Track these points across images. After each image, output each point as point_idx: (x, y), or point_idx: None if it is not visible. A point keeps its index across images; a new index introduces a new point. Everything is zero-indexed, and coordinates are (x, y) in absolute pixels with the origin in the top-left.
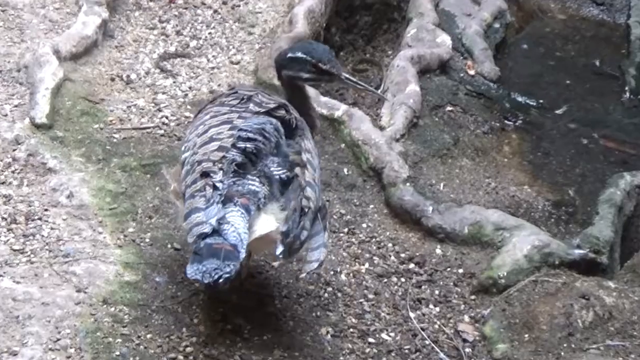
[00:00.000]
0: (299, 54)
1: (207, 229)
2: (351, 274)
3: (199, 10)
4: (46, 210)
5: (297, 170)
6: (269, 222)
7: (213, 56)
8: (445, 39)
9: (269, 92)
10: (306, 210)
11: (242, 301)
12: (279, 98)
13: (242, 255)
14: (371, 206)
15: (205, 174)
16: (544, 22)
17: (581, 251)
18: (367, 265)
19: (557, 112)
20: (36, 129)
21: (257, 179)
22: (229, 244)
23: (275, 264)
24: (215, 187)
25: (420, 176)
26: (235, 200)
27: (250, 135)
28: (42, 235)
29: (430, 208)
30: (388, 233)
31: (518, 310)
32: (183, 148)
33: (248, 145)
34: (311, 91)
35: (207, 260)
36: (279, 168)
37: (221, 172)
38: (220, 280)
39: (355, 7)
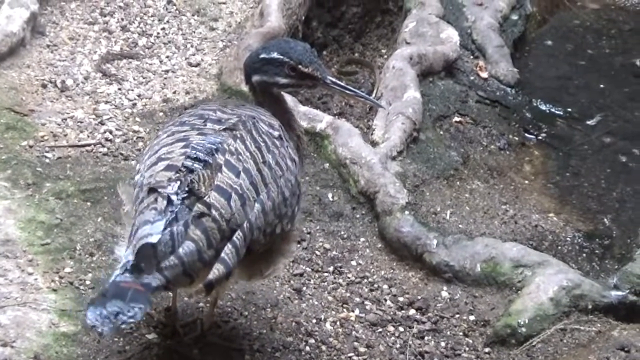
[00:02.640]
0: (274, 55)
1: (150, 239)
2: (338, 323)
3: (149, 1)
4: None
5: (197, 175)
6: None
7: (167, 57)
8: (451, 34)
9: (238, 103)
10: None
11: (205, 357)
12: (248, 109)
13: (152, 297)
14: (362, 239)
15: (153, 190)
16: (572, 12)
17: (619, 293)
18: (357, 311)
19: (589, 122)
20: None
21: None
22: (139, 282)
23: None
24: (169, 200)
25: (422, 202)
26: None
27: (200, 155)
28: None
29: (435, 242)
30: (383, 272)
31: None
32: (137, 168)
33: (196, 165)
34: (287, 99)
35: (110, 302)
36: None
37: (177, 183)
38: (123, 327)
39: None
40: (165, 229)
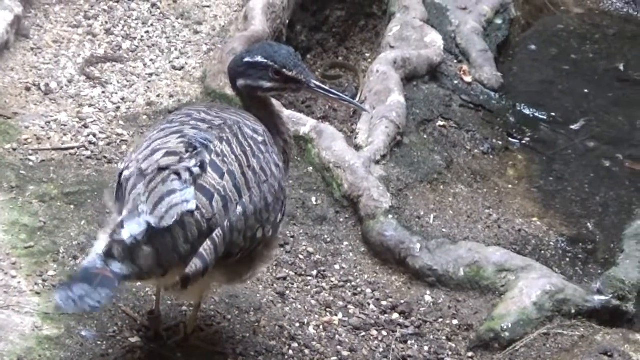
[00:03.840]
0: (259, 59)
1: (190, 206)
2: (321, 327)
3: (133, 4)
4: None
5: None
6: None
7: (151, 60)
8: (435, 38)
9: (227, 107)
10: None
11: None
12: (233, 113)
13: (119, 285)
14: (345, 243)
15: (164, 169)
16: (556, 17)
17: (603, 297)
18: (340, 315)
19: (573, 127)
20: None
21: None
22: (110, 270)
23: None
24: (190, 171)
25: (405, 206)
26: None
27: (198, 146)
28: None
29: (418, 245)
30: (366, 276)
31: None
32: (123, 166)
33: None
34: (274, 103)
35: (76, 285)
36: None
37: (193, 160)
38: (86, 309)
39: None
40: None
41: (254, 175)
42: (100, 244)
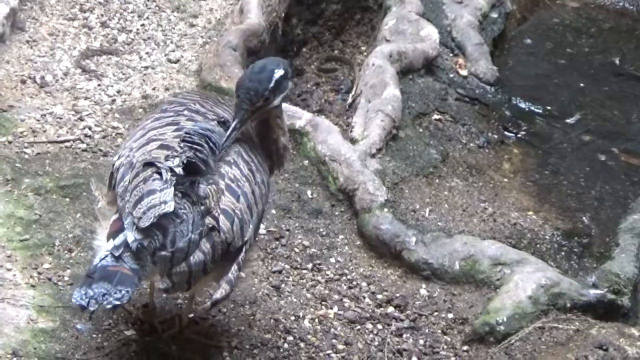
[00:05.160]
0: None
1: (168, 208)
2: (316, 320)
3: None
4: None
5: (209, 190)
6: None
7: (147, 53)
8: (431, 32)
9: (221, 98)
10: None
11: (183, 353)
12: (224, 110)
13: (139, 282)
14: (341, 237)
15: (149, 164)
16: (552, 11)
17: (598, 291)
18: (335, 308)
19: (569, 121)
20: None
21: (179, 195)
22: (128, 267)
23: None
24: (172, 172)
25: (401, 200)
26: None
27: (196, 139)
28: None
29: (414, 239)
30: (361, 269)
31: None
32: (116, 157)
33: (198, 148)
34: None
35: (97, 283)
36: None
37: (177, 159)
38: (108, 307)
39: None
40: (181, 232)
41: (259, 190)
42: (109, 243)
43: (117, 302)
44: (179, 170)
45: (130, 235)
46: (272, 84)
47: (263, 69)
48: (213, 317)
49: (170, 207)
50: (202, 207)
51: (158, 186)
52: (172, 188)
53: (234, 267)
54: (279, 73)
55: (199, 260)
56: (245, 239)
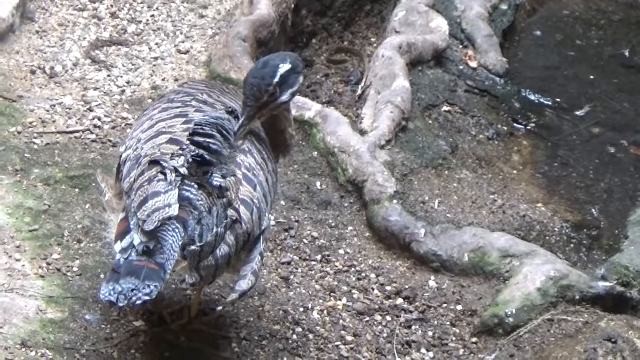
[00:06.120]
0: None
1: (172, 212)
2: (325, 311)
3: None
4: None
5: (229, 182)
6: None
7: (156, 44)
8: (441, 24)
9: (226, 87)
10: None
11: (192, 344)
12: (230, 100)
13: (168, 276)
14: (350, 228)
15: (155, 162)
16: (561, 3)
17: (607, 284)
18: (344, 300)
19: (578, 113)
20: None
21: (195, 186)
22: (154, 262)
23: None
24: (177, 172)
25: (410, 192)
26: None
27: (208, 130)
28: None
29: (423, 231)
30: (371, 261)
31: (530, 356)
32: (123, 148)
33: (209, 141)
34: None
35: (124, 279)
36: (217, 175)
37: (182, 158)
38: (138, 303)
39: None
40: (206, 227)
41: (272, 178)
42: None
43: (147, 298)
44: (183, 170)
45: (137, 238)
46: (276, 79)
47: (266, 65)
48: (222, 308)
49: (174, 210)
50: (225, 200)
51: (163, 188)
52: (177, 190)
53: (258, 258)
54: (284, 68)
55: (225, 253)
56: (263, 227)
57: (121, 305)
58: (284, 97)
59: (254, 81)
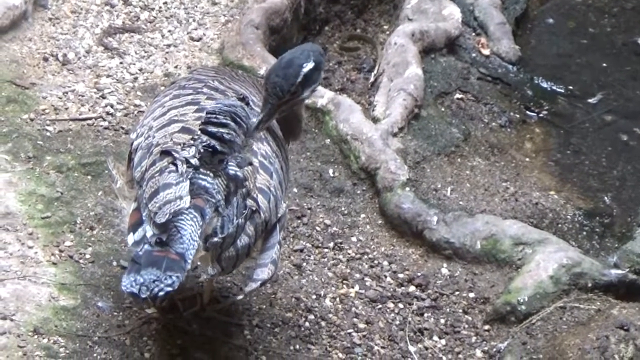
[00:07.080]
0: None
1: (183, 204)
2: (338, 299)
3: None
4: None
5: (246, 171)
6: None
7: (169, 31)
8: (453, 11)
9: (235, 74)
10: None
11: (204, 331)
12: (240, 86)
13: (189, 266)
14: (362, 215)
15: (166, 153)
16: None
17: (619, 271)
18: (357, 287)
19: (591, 101)
20: None
21: (211, 175)
22: (174, 252)
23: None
24: (188, 163)
25: (422, 179)
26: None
27: (221, 118)
28: None
29: (435, 218)
30: (383, 249)
31: (542, 343)
32: (134, 135)
33: (222, 130)
34: None
35: (145, 270)
36: (232, 163)
37: (193, 148)
38: (161, 294)
39: None
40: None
41: (286, 165)
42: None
43: (169, 289)
44: (194, 161)
45: (149, 230)
46: (299, 79)
47: (290, 64)
48: (234, 295)
49: (185, 202)
50: (244, 190)
51: (174, 179)
52: (188, 182)
53: (277, 247)
54: (308, 67)
55: (245, 244)
56: (279, 215)
57: (143, 296)
58: (305, 94)
59: (276, 80)
